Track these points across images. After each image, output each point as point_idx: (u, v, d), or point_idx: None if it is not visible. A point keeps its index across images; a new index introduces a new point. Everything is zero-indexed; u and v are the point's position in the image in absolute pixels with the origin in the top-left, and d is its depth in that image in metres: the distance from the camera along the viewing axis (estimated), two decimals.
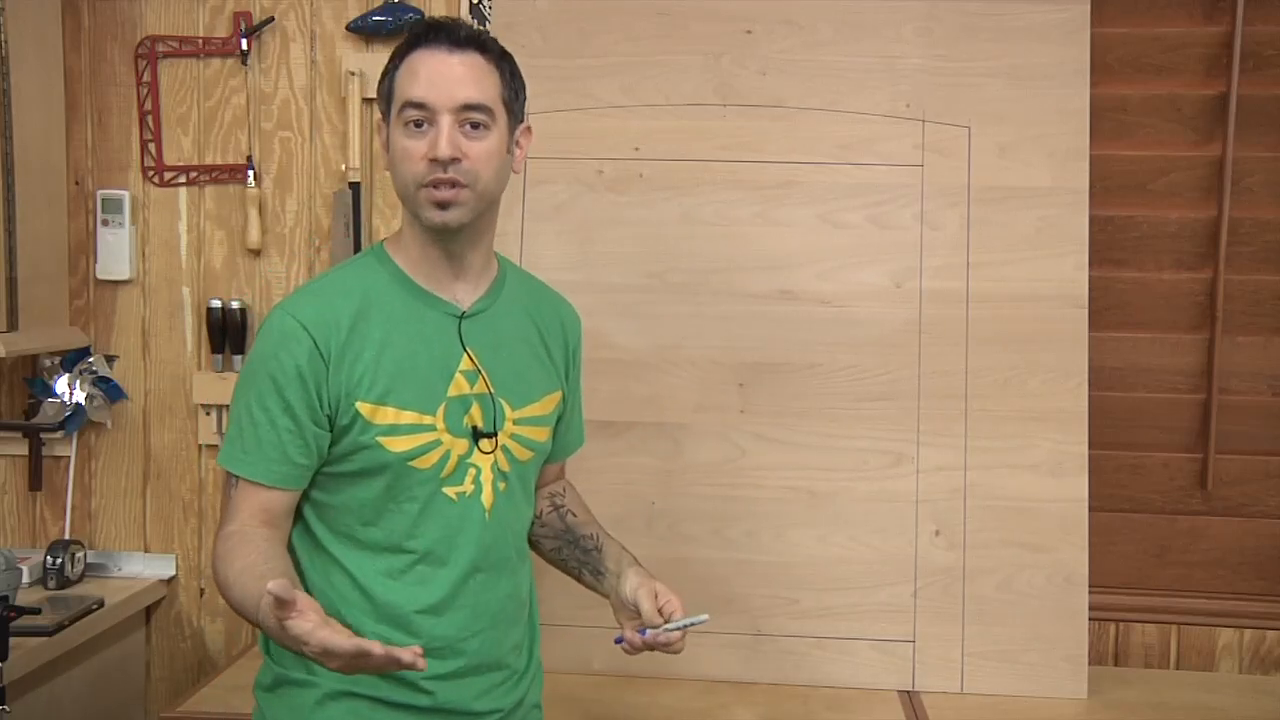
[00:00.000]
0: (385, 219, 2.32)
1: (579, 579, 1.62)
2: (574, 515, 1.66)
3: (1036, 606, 2.04)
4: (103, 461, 2.41)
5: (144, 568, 2.38)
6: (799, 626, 2.06)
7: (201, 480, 2.39)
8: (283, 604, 1.16)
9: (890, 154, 2.13)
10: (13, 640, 1.84)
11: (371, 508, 1.43)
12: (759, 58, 2.16)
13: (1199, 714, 1.98)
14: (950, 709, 1.97)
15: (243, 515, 1.40)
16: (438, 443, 1.42)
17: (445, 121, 1.38)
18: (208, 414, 2.36)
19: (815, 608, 2.06)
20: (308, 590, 1.43)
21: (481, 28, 2.24)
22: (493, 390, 1.47)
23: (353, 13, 2.30)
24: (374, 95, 2.21)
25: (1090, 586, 2.05)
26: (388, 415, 1.40)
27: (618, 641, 1.51)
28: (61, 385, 2.34)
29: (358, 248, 2.28)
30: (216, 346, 2.34)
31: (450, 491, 1.44)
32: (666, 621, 1.48)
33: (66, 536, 2.36)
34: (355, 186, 2.29)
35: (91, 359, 2.35)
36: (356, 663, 1.19)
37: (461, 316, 1.47)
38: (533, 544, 1.64)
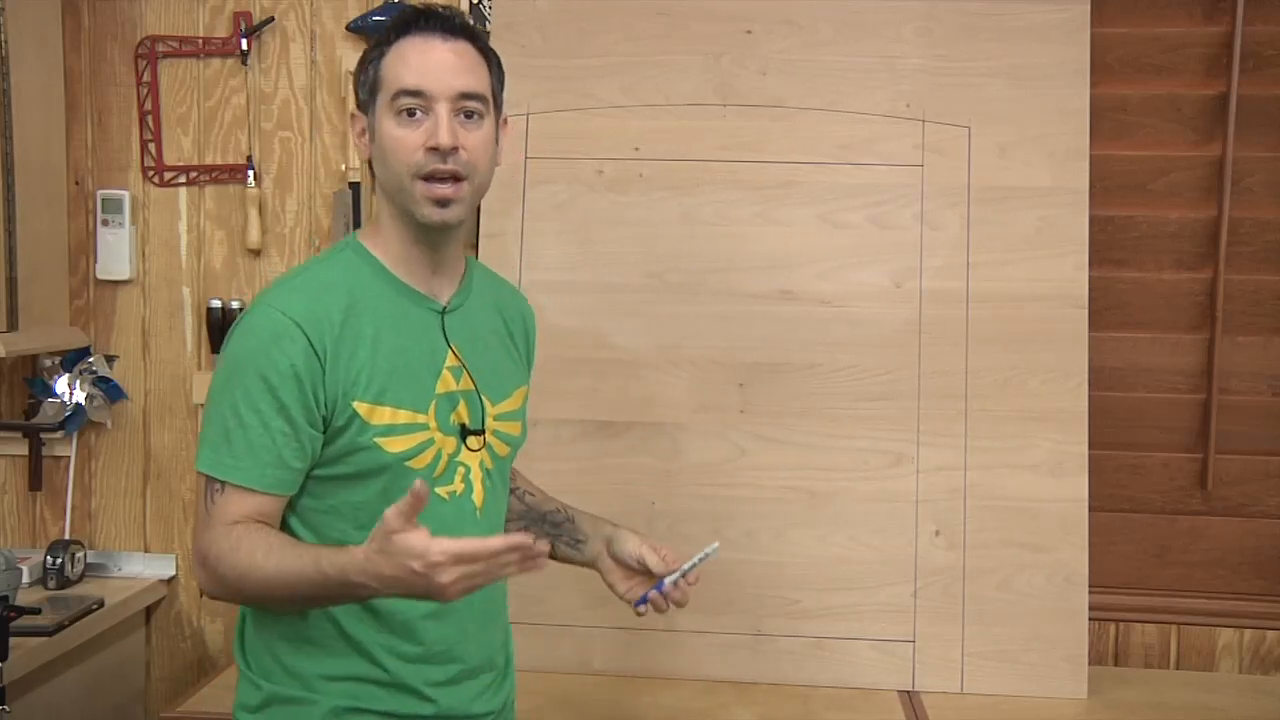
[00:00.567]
0: None
1: (553, 555, 1.58)
2: (532, 495, 1.64)
3: (1036, 606, 2.04)
4: (103, 461, 2.41)
5: (144, 568, 2.38)
6: (799, 626, 2.06)
7: None
8: (417, 499, 1.15)
9: (890, 154, 2.13)
10: (13, 640, 1.84)
11: (366, 511, 1.34)
12: (759, 58, 2.16)
13: (1199, 714, 1.98)
14: (950, 709, 1.97)
15: (226, 521, 1.30)
16: (431, 441, 1.39)
17: (443, 110, 1.34)
18: None
19: (815, 608, 2.06)
20: None
21: (480, 26, 2.25)
22: (476, 386, 1.44)
23: (353, 13, 2.30)
24: None
25: (1090, 586, 2.05)
26: (384, 415, 1.35)
27: (640, 603, 1.50)
28: (61, 385, 2.34)
29: None
30: (216, 347, 2.34)
31: (442, 491, 1.40)
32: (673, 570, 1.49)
33: (66, 536, 2.36)
34: (355, 186, 2.30)
35: (91, 359, 2.35)
36: (488, 567, 1.17)
37: (443, 312, 1.44)
38: None
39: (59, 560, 2.23)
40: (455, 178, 1.35)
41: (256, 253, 2.35)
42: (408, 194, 1.36)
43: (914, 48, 2.14)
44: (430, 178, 1.35)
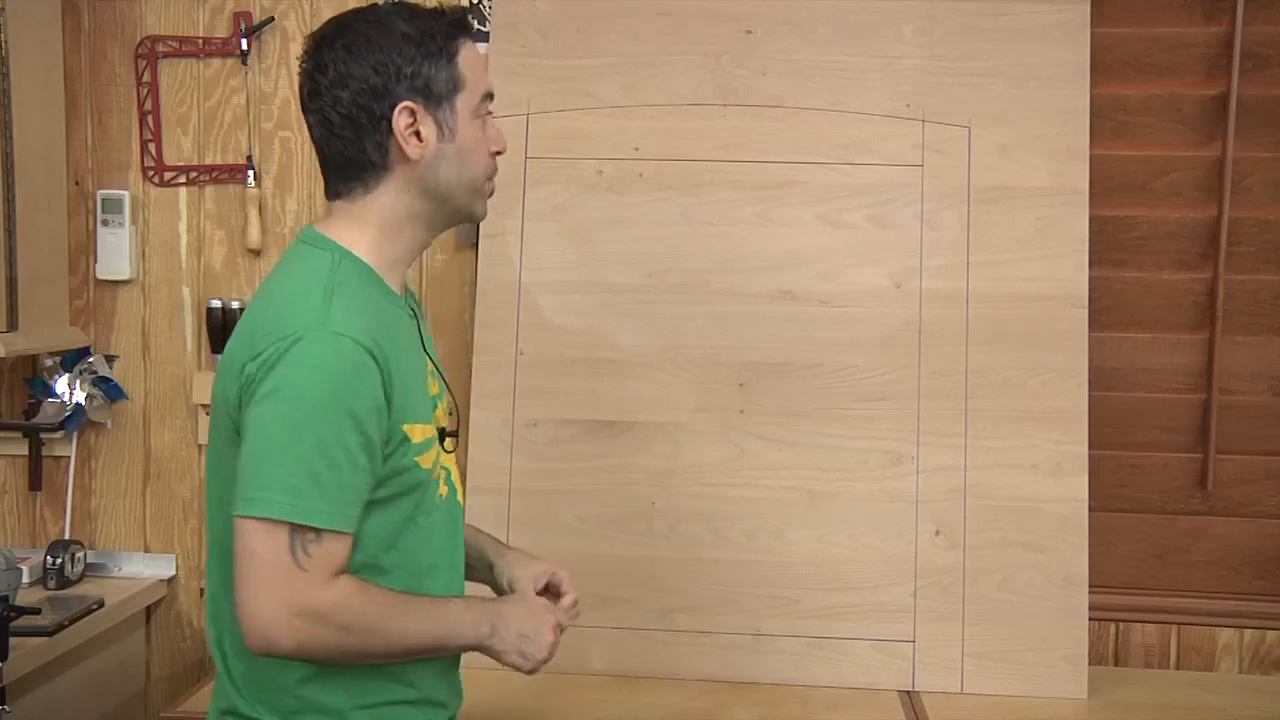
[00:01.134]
0: None
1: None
2: None
3: (1036, 606, 2.04)
4: (103, 461, 2.41)
5: (144, 568, 2.38)
6: (799, 626, 2.06)
7: (201, 480, 2.38)
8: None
9: (890, 154, 2.13)
10: (13, 640, 1.85)
11: (395, 530, 1.33)
12: (759, 58, 2.16)
13: (1199, 714, 1.98)
14: (950, 709, 1.97)
15: (328, 575, 1.23)
16: (438, 451, 1.38)
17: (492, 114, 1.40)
18: (208, 414, 2.36)
19: (815, 608, 2.06)
20: None
21: (480, 26, 2.25)
22: (446, 384, 1.44)
23: None
24: None
25: (1090, 586, 2.05)
26: (418, 432, 1.32)
27: None
28: (61, 385, 2.34)
29: None
30: (216, 346, 2.34)
31: (437, 498, 1.39)
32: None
33: (66, 536, 2.36)
34: None
35: (91, 359, 2.35)
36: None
37: (414, 314, 1.42)
38: None
39: (59, 560, 2.23)
40: None
41: (256, 253, 2.35)
42: (479, 194, 1.39)
43: (914, 48, 2.14)
44: (492, 179, 1.41)
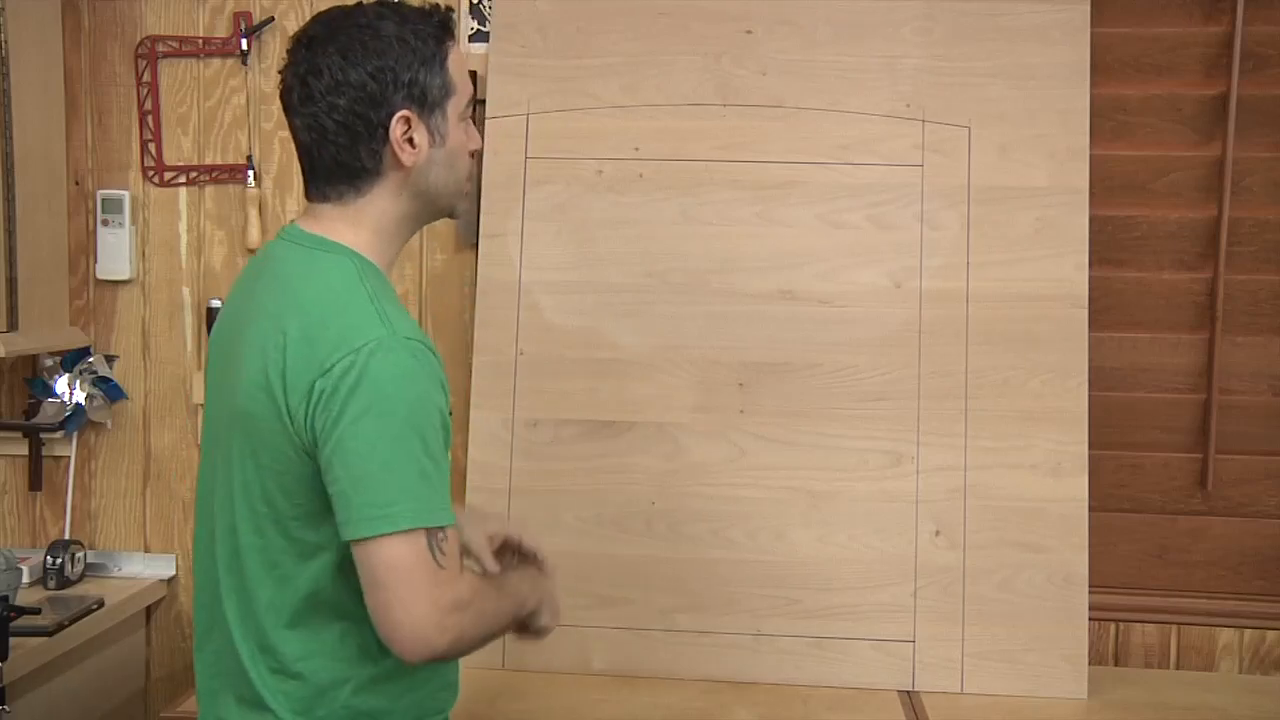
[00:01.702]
0: None
1: None
2: None
3: (1036, 606, 2.04)
4: (103, 461, 2.41)
5: (144, 568, 2.38)
6: (799, 626, 2.06)
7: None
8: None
9: (890, 154, 2.13)
10: (13, 640, 1.85)
11: None
12: (759, 58, 2.16)
13: (1199, 714, 1.98)
14: (950, 709, 1.97)
15: (460, 566, 1.29)
16: None
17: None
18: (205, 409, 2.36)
19: (815, 608, 2.06)
20: (368, 636, 1.31)
21: (480, 26, 2.25)
22: None
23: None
24: None
25: (1090, 586, 2.05)
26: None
27: None
28: (61, 385, 2.33)
29: None
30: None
31: None
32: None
33: (66, 536, 2.36)
34: None
35: (91, 359, 2.35)
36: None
37: None
38: None
39: (59, 560, 2.23)
40: None
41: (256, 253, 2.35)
42: (462, 195, 1.42)
43: (913, 48, 2.14)
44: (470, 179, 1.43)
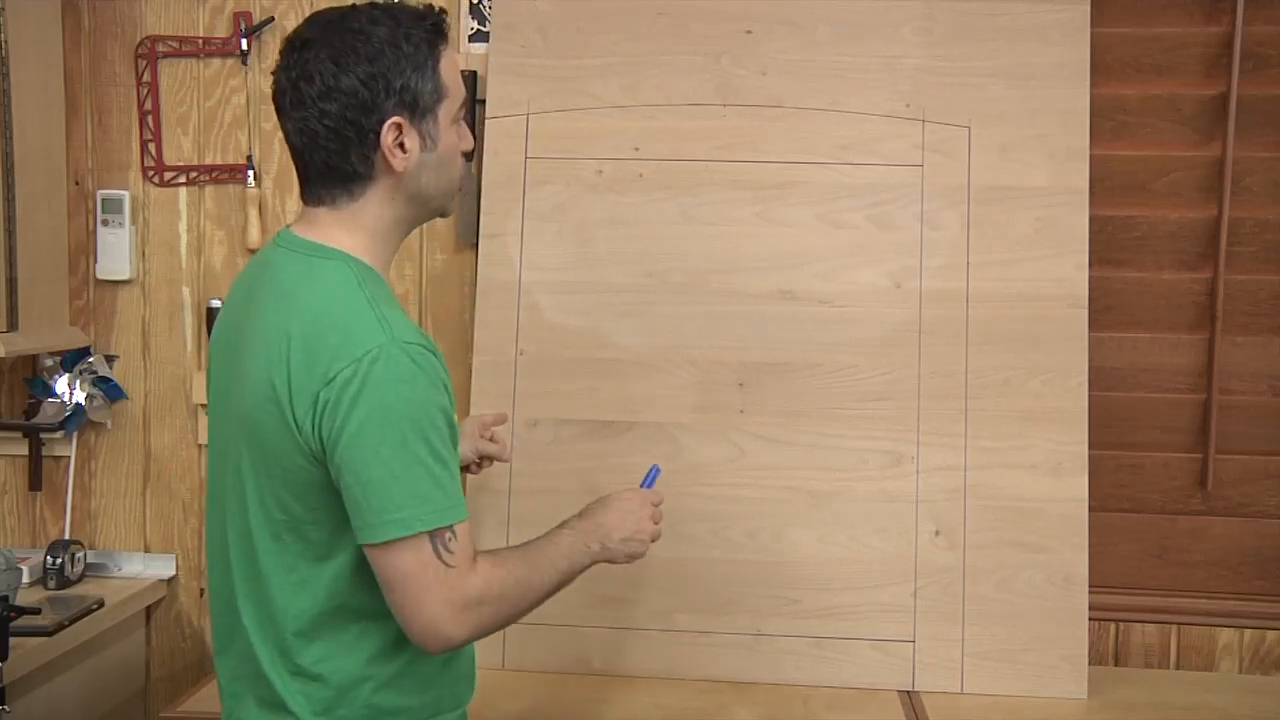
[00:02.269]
0: None
1: None
2: None
3: (1036, 606, 2.04)
4: (103, 461, 2.41)
5: (144, 568, 2.38)
6: (799, 626, 2.06)
7: (202, 480, 2.39)
8: None
9: (890, 154, 2.13)
10: (13, 640, 1.85)
11: None
12: (759, 58, 2.16)
13: (1199, 714, 1.98)
14: (950, 709, 1.97)
15: (469, 562, 1.30)
16: None
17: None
18: (207, 414, 2.36)
19: (815, 608, 2.06)
20: (392, 633, 1.34)
21: (480, 26, 2.25)
22: None
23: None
24: None
25: (1090, 586, 2.05)
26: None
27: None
28: (61, 385, 2.34)
29: None
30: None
31: None
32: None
33: (66, 536, 2.36)
34: None
35: (91, 359, 2.35)
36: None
37: None
38: None
39: (59, 560, 2.23)
40: None
41: (256, 253, 2.35)
42: (453, 197, 1.42)
43: (913, 48, 2.14)
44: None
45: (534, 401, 2.11)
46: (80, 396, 2.32)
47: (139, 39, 2.35)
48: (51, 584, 2.22)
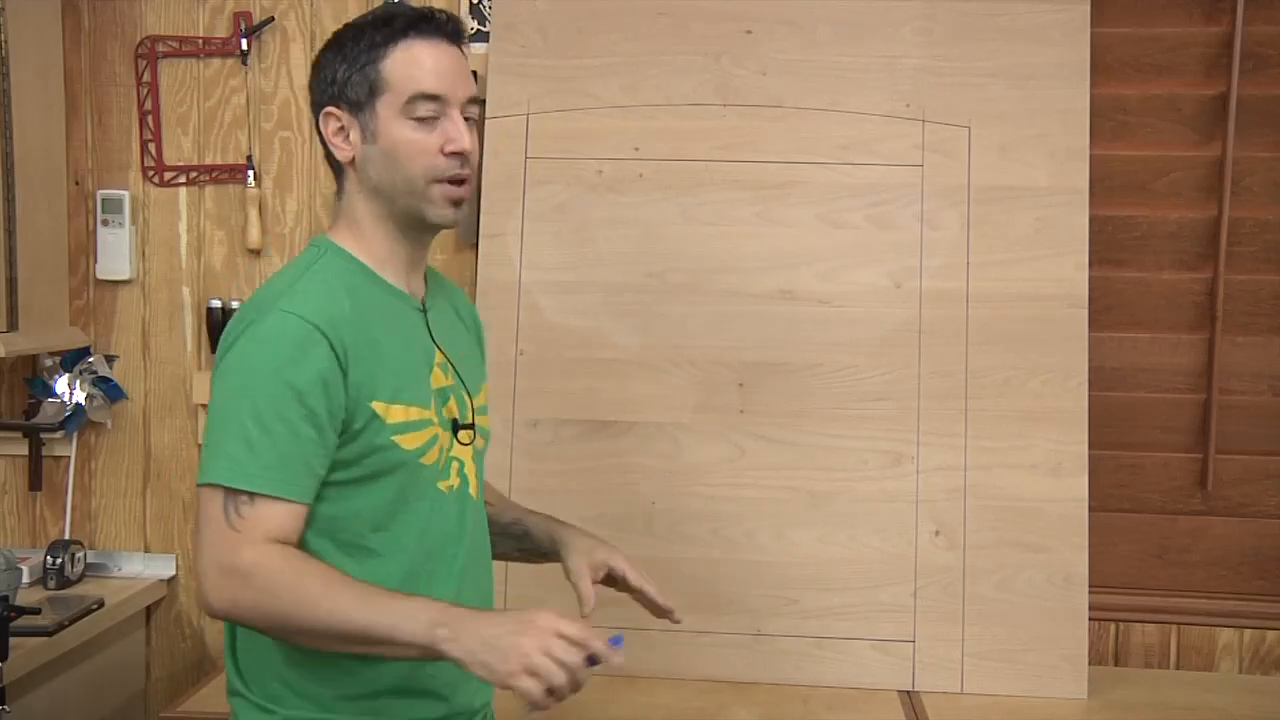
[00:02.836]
0: None
1: (518, 523, 1.62)
2: (491, 504, 1.62)
3: (1036, 606, 2.04)
4: (103, 461, 2.41)
5: (144, 568, 2.38)
6: (799, 626, 2.06)
7: None
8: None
9: (890, 154, 2.13)
10: (13, 640, 1.84)
11: (384, 511, 1.36)
12: (759, 58, 2.16)
13: (1199, 714, 1.98)
14: (950, 709, 1.97)
15: (258, 537, 1.26)
16: (436, 438, 1.40)
17: (456, 114, 1.38)
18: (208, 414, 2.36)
19: (815, 608, 2.06)
20: None
21: (480, 26, 2.25)
22: (461, 380, 1.47)
23: (353, 13, 2.30)
24: None
25: (1090, 586, 2.05)
26: (399, 413, 1.36)
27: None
28: (61, 385, 2.34)
29: None
30: (217, 347, 2.34)
31: (443, 486, 1.42)
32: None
33: (66, 536, 2.36)
34: None
35: (91, 359, 2.35)
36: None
37: (424, 309, 1.46)
38: None
39: (59, 560, 2.23)
40: (465, 182, 1.40)
41: (256, 253, 2.35)
42: (421, 196, 1.38)
43: (914, 48, 2.14)
44: (451, 181, 1.38)
45: (534, 401, 2.11)
46: (80, 396, 2.32)
47: (139, 39, 2.35)
48: (51, 584, 2.22)
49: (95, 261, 2.37)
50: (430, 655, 1.24)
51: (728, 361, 2.11)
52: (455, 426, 1.44)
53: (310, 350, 1.29)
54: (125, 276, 2.37)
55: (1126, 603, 2.24)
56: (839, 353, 2.10)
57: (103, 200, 2.36)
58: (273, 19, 2.32)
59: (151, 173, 2.37)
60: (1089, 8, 2.13)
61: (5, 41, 2.14)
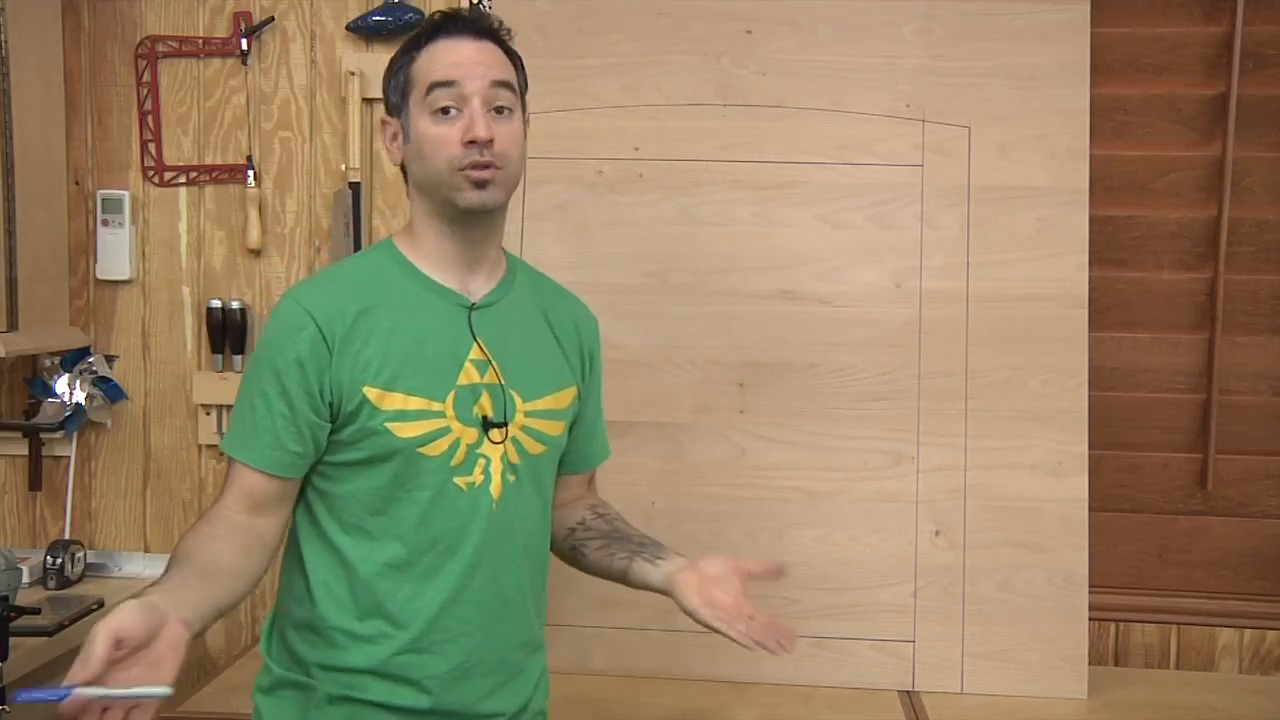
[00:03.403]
0: (385, 219, 2.33)
1: (625, 574, 1.56)
2: (623, 521, 1.64)
3: (1036, 606, 2.04)
4: (103, 461, 2.41)
5: (144, 568, 2.37)
6: (799, 626, 2.05)
7: (201, 480, 2.39)
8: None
9: (890, 154, 2.13)
10: (13, 640, 1.84)
11: (381, 496, 1.42)
12: (759, 58, 2.16)
13: (1199, 714, 1.98)
14: (950, 709, 1.97)
15: (228, 496, 1.41)
16: (447, 430, 1.41)
17: (477, 104, 1.40)
18: (208, 414, 2.36)
19: (815, 608, 2.06)
20: (303, 585, 1.45)
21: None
22: (503, 381, 1.46)
23: (353, 13, 2.31)
24: (374, 95, 2.23)
25: (1090, 586, 2.05)
26: (395, 400, 1.39)
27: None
28: (61, 385, 2.34)
29: (358, 247, 2.28)
30: (216, 346, 2.34)
31: (460, 481, 1.43)
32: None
33: (66, 536, 2.36)
34: (355, 186, 2.30)
35: (91, 359, 2.35)
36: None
37: (472, 307, 1.47)
38: (573, 549, 1.62)
39: (59, 560, 2.23)
40: (491, 167, 1.41)
41: (256, 253, 2.35)
42: (448, 185, 1.41)
43: (914, 48, 2.14)
44: (470, 168, 1.40)
45: None
46: (80, 396, 2.32)
47: (139, 39, 2.35)
48: (51, 584, 2.22)
49: (95, 261, 2.37)
50: None
51: (728, 361, 2.11)
52: (486, 424, 1.44)
53: (294, 334, 1.39)
54: (125, 276, 2.37)
55: (1126, 603, 2.24)
56: (839, 353, 2.10)
57: (103, 200, 2.36)
58: (273, 19, 2.32)
59: (151, 173, 2.37)
60: (1089, 8, 2.13)
61: (5, 41, 2.14)
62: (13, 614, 1.86)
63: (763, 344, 2.11)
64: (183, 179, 2.37)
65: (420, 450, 1.40)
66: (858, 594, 2.06)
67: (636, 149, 2.16)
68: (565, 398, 1.55)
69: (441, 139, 1.40)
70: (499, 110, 1.42)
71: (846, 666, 2.05)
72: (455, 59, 1.41)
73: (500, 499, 1.46)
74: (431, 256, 1.47)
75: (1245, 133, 2.20)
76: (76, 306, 2.39)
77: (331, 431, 1.42)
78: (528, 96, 1.52)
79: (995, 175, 2.11)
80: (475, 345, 1.45)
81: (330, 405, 1.40)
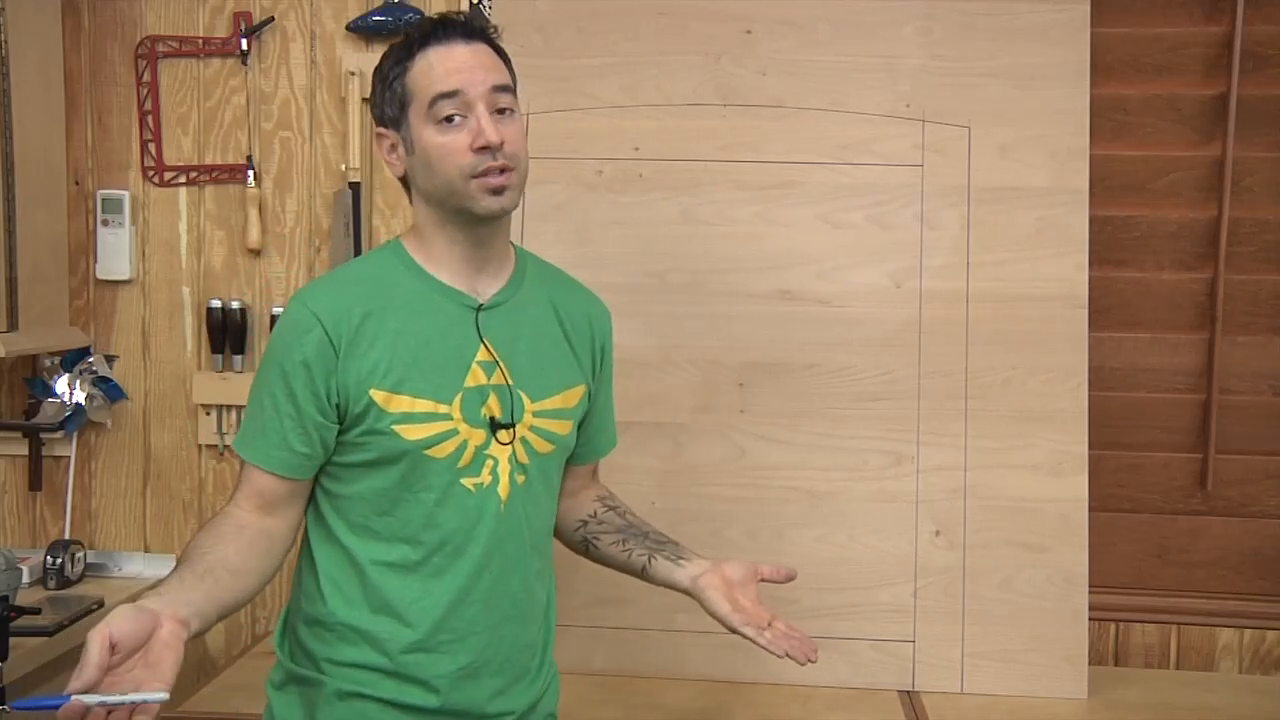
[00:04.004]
0: (385, 219, 2.33)
1: (643, 570, 1.59)
2: (633, 515, 1.66)
3: (1036, 606, 2.04)
4: (103, 461, 2.41)
5: (144, 568, 2.37)
6: (799, 626, 2.05)
7: (201, 480, 2.39)
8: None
9: (890, 154, 2.13)
10: (13, 640, 1.84)
11: (388, 497, 1.42)
12: (759, 58, 2.16)
13: (1199, 714, 1.98)
14: (950, 709, 1.97)
15: (239, 496, 1.43)
16: (454, 432, 1.42)
17: (482, 109, 1.40)
18: (208, 414, 2.36)
19: (815, 608, 2.06)
20: (314, 581, 1.47)
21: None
22: (511, 382, 1.46)
23: (353, 13, 2.31)
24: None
25: (1090, 586, 2.05)
26: (402, 403, 1.40)
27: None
28: (61, 385, 2.34)
29: (358, 248, 2.28)
30: (216, 346, 2.34)
31: (468, 483, 1.43)
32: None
33: (66, 536, 2.36)
34: (355, 186, 2.30)
35: (91, 359, 2.35)
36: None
37: (479, 308, 1.47)
38: (585, 541, 1.63)
39: (59, 560, 2.23)
40: (504, 170, 1.41)
41: (256, 253, 2.35)
42: (462, 194, 1.41)
43: (914, 48, 2.14)
44: (483, 175, 1.40)
45: None
46: (80, 396, 2.32)
47: (139, 39, 2.35)
48: (51, 584, 2.22)
49: (95, 261, 2.37)
50: None
51: (728, 361, 2.11)
52: (494, 425, 1.45)
53: (302, 336, 1.40)
54: (125, 276, 2.37)
55: (1126, 603, 2.25)
56: (839, 353, 2.10)
57: (103, 200, 2.36)
58: (273, 19, 2.32)
59: (151, 173, 2.37)
60: (1089, 8, 2.13)
61: (5, 41, 2.14)
62: (13, 614, 1.85)
63: (762, 344, 2.11)
64: (183, 179, 2.37)
65: (427, 452, 1.41)
66: (857, 594, 2.06)
67: (636, 149, 2.16)
68: (574, 396, 1.55)
69: (450, 147, 1.40)
70: (501, 112, 1.42)
71: (846, 666, 2.05)
72: (453, 66, 1.40)
73: (508, 499, 1.46)
74: (440, 259, 1.47)
75: (1245, 133, 2.20)
76: (76, 306, 2.39)
77: (339, 433, 1.42)
78: (519, 93, 1.52)
79: (995, 175, 2.11)
80: (482, 347, 1.45)
81: (337, 407, 1.41)
